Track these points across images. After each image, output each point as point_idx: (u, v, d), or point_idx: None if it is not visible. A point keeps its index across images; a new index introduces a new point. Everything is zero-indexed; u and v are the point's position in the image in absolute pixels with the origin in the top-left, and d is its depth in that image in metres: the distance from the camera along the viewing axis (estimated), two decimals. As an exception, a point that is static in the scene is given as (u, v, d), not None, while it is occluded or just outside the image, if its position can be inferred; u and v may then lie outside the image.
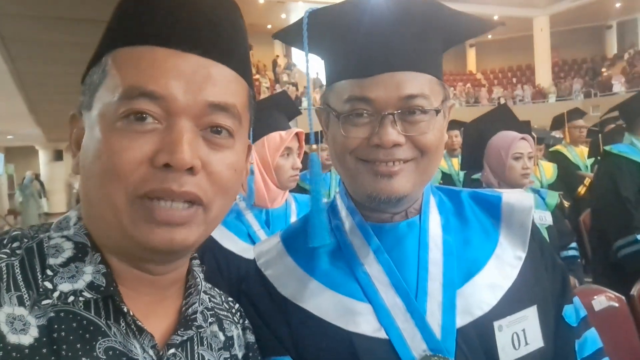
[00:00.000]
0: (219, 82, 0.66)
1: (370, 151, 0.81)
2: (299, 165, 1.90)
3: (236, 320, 0.84)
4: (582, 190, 4.52)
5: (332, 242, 0.91)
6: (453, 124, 5.50)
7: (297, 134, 1.93)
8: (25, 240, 0.66)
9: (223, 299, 0.85)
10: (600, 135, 4.05)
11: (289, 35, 0.85)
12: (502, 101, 23.96)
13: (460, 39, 0.89)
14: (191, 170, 0.63)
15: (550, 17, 23.49)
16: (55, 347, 0.58)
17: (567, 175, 4.71)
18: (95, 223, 0.66)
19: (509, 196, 0.95)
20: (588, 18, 23.46)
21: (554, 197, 2.73)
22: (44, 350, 0.58)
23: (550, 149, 5.27)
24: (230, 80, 0.68)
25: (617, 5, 22.76)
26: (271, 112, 1.91)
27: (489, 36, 26.93)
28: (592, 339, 0.94)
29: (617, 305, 2.31)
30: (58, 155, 18.43)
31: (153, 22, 0.64)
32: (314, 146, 1.05)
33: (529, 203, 0.94)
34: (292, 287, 0.87)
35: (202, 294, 0.75)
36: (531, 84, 24.67)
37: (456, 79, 26.80)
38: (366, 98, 0.80)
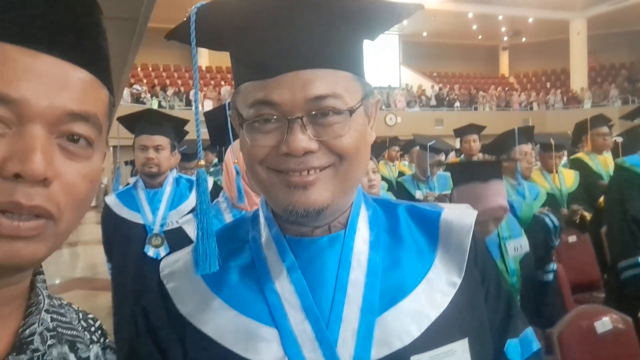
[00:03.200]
0: (79, 88, 0.60)
1: (281, 160, 0.71)
2: None
3: (95, 339, 0.76)
4: (603, 201, 4.29)
5: (246, 255, 0.82)
6: (472, 128, 5.33)
7: None
8: None
9: (80, 317, 0.78)
10: (620, 143, 3.83)
11: (182, 35, 0.75)
12: (535, 106, 23.39)
13: (380, 27, 0.78)
14: (44, 181, 0.56)
15: (588, 20, 22.82)
16: None
17: (587, 184, 4.48)
18: None
19: (449, 212, 0.84)
20: (627, 22, 22.65)
21: (530, 209, 2.54)
22: None
23: (571, 157, 5.02)
24: (92, 87, 0.62)
25: (659, 8, 21.90)
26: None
27: (523, 39, 26.37)
28: None
29: (622, 327, 2.15)
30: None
31: (5, 16, 0.57)
32: (202, 162, 0.95)
33: (469, 221, 0.82)
34: (192, 305, 0.78)
35: (43, 313, 0.68)
36: (566, 89, 24.00)
37: (487, 82, 26.32)
38: (270, 101, 0.70)
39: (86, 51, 0.62)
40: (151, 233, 2.72)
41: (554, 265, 2.53)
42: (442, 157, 4.84)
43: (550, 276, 2.47)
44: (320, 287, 0.76)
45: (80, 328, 0.75)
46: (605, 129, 4.66)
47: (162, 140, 2.71)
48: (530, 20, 23.90)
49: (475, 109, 22.68)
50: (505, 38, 26.89)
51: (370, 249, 0.79)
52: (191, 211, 2.72)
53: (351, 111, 0.72)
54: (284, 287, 0.76)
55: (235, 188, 1.88)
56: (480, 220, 2.00)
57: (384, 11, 0.75)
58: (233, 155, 1.91)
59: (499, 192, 2.04)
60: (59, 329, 0.71)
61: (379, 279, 0.77)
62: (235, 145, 1.87)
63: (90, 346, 0.74)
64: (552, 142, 4.23)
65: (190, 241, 1.82)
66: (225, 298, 0.77)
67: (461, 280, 0.79)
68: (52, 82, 0.58)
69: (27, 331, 0.64)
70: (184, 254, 0.85)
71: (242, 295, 0.77)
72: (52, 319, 0.70)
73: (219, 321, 0.75)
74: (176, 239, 1.92)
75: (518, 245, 2.21)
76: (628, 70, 24.13)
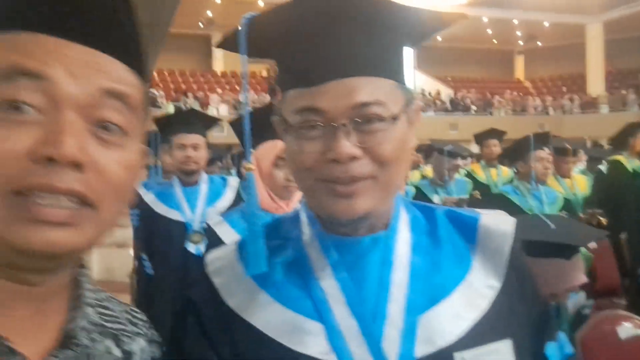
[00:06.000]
0: (111, 72, 0.61)
1: (328, 168, 0.74)
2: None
3: (142, 332, 0.77)
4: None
5: (289, 253, 0.85)
6: (493, 133, 5.36)
7: None
8: None
9: (126, 309, 0.78)
10: None
11: (233, 44, 0.78)
12: (551, 111, 23.18)
13: (421, 36, 0.82)
14: (78, 166, 0.57)
15: (604, 25, 22.59)
16: None
17: (623, 187, 4.40)
18: None
19: (488, 219, 0.87)
20: (646, 26, 22.37)
21: (588, 260, 2.49)
22: None
23: (610, 159, 4.86)
24: (124, 73, 0.63)
25: (679, 12, 21.59)
26: (269, 120, 1.89)
27: (539, 43, 26.17)
28: None
29: (646, 333, 2.14)
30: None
31: (35, 8, 0.59)
32: (251, 165, 0.97)
33: (508, 228, 0.85)
34: (239, 298, 0.81)
35: (87, 307, 0.68)
36: (582, 94, 23.76)
37: (502, 87, 26.14)
38: (316, 108, 0.73)
39: (118, 43, 0.63)
40: (191, 230, 2.78)
41: (592, 302, 2.51)
42: (459, 161, 4.86)
43: (587, 311, 2.45)
44: (364, 286, 0.78)
45: (125, 321, 0.75)
46: None
47: (199, 139, 2.80)
48: (546, 24, 23.73)
49: (491, 113, 22.54)
50: (521, 42, 26.71)
51: (412, 251, 0.82)
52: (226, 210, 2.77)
53: (394, 118, 0.75)
54: (328, 284, 0.79)
55: (263, 192, 1.92)
56: (560, 293, 1.90)
57: (425, 20, 0.78)
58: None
59: (580, 268, 1.94)
60: (104, 323, 0.70)
61: (421, 280, 0.80)
62: (257, 152, 1.92)
63: (136, 339, 0.75)
64: (569, 147, 4.23)
65: (220, 241, 1.87)
66: (271, 292, 0.80)
67: (501, 284, 0.81)
68: (83, 67, 0.59)
69: (72, 326, 0.64)
70: (228, 251, 0.88)
71: (287, 290, 0.80)
72: (97, 312, 0.70)
73: (266, 315, 0.78)
74: (214, 235, 1.98)
75: (576, 303, 2.18)
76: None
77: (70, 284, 0.69)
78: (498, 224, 0.86)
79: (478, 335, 0.76)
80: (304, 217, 0.87)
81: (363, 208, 0.75)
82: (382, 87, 0.75)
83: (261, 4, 18.44)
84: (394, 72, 0.77)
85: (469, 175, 5.28)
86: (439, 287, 0.80)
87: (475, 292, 0.80)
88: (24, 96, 0.56)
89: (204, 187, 2.92)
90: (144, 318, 0.80)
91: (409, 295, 0.78)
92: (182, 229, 2.79)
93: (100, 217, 0.61)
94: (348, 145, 0.72)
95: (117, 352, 0.70)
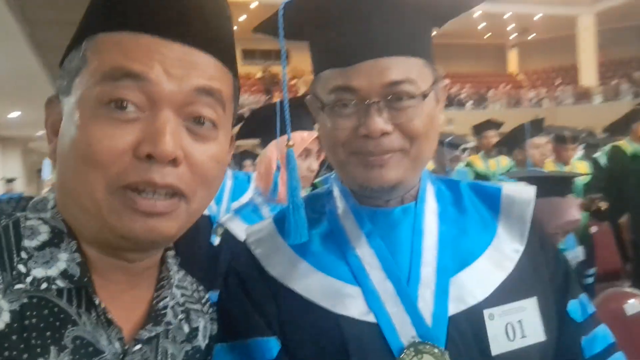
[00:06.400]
0: (204, 69, 0.66)
1: (361, 143, 0.80)
2: (315, 167, 1.91)
3: (205, 311, 0.83)
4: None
5: (325, 225, 0.90)
6: (490, 124, 5.47)
7: (318, 137, 1.94)
8: (4, 217, 0.65)
9: (195, 287, 0.84)
10: None
11: (269, 28, 0.84)
12: (545, 103, 23.30)
13: (449, 15, 0.87)
14: (174, 161, 0.62)
15: (597, 15, 22.69)
16: (25, 334, 0.58)
17: (624, 172, 4.48)
18: (71, 211, 0.66)
19: (510, 188, 0.93)
20: (637, 16, 22.50)
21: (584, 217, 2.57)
22: (14, 337, 0.57)
23: (613, 144, 4.92)
24: (216, 69, 0.68)
25: (669, 1, 21.73)
26: (298, 112, 1.92)
27: (531, 36, 26.28)
28: (602, 335, 0.90)
29: (651, 309, 2.20)
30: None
31: (136, 9, 0.64)
32: (291, 142, 1.04)
33: (529, 195, 0.91)
34: (281, 267, 0.86)
35: (174, 288, 0.74)
36: (576, 85, 23.88)
37: (496, 81, 26.23)
38: (350, 87, 0.79)
39: (210, 39, 0.67)
40: (216, 223, 2.83)
41: (594, 270, 2.57)
42: (459, 153, 4.92)
43: (590, 280, 2.51)
44: (397, 252, 0.84)
45: (196, 299, 0.82)
46: None
47: None
48: (538, 16, 23.82)
49: (485, 107, 22.62)
50: (514, 35, 26.80)
51: (439, 220, 0.88)
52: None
53: (424, 95, 0.80)
54: (364, 252, 0.84)
55: (272, 182, 1.96)
56: (552, 233, 1.98)
57: (451, 1, 0.84)
58: (277, 151, 2.00)
59: (574, 205, 2.05)
60: (187, 304, 0.77)
61: (449, 245, 0.85)
62: (280, 141, 1.95)
63: (201, 317, 0.80)
64: (569, 134, 4.30)
65: (231, 235, 1.91)
66: (310, 261, 0.86)
67: (524, 248, 0.87)
68: (179, 65, 0.63)
69: (161, 304, 0.71)
70: (266, 224, 0.94)
71: (325, 259, 0.86)
72: (182, 295, 0.77)
73: (307, 281, 0.84)
74: (227, 230, 2.04)
75: (575, 256, 2.25)
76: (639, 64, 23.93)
77: (158, 263, 0.75)
78: (520, 192, 0.92)
79: (505, 294, 0.82)
80: (337, 192, 0.92)
81: (393, 177, 0.81)
82: (413, 66, 0.80)
83: (255, 3, 18.46)
84: (424, 52, 0.82)
85: (469, 166, 5.37)
86: (467, 251, 0.86)
87: (502, 255, 0.86)
88: (128, 95, 0.61)
89: (228, 183, 2.98)
90: (207, 297, 0.86)
91: (440, 259, 0.84)
92: (208, 222, 2.84)
93: (192, 206, 0.67)
94: (380, 122, 0.78)
95: (186, 328, 0.76)
